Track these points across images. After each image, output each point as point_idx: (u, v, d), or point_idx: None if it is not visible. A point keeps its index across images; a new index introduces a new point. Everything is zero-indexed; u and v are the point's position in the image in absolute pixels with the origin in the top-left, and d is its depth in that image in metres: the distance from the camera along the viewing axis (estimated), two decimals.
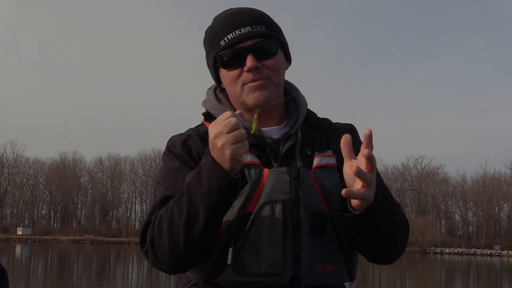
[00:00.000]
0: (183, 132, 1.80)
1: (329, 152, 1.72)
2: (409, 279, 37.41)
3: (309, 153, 1.71)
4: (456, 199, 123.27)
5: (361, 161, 1.47)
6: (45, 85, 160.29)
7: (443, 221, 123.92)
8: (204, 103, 1.84)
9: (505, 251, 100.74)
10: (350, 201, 1.52)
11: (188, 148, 1.72)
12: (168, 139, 1.79)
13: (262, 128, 1.74)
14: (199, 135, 1.75)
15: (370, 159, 1.44)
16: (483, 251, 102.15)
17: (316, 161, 1.69)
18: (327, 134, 1.79)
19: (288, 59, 1.80)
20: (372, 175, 1.46)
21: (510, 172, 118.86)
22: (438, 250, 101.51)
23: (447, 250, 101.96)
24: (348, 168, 1.49)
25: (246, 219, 1.58)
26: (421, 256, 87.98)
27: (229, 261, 1.56)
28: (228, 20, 1.72)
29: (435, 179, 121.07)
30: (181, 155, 1.71)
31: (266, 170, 1.63)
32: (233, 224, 1.58)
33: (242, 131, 1.42)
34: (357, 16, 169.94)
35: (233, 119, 1.42)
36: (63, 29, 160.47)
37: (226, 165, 1.43)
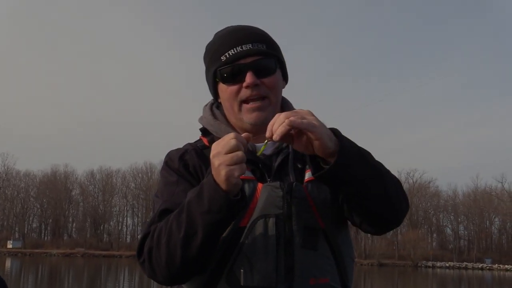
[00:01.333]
0: (180, 147, 1.85)
1: None
2: None
3: (300, 166, 1.74)
4: (448, 212, 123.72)
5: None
6: (36, 99, 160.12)
7: (434, 235, 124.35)
8: (201, 119, 1.89)
9: (496, 264, 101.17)
10: (321, 164, 1.57)
11: (185, 162, 1.76)
12: (166, 153, 1.84)
13: (256, 144, 1.76)
14: (196, 150, 1.80)
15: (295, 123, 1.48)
16: (474, 264, 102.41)
17: (307, 175, 1.72)
18: None
19: (285, 78, 1.85)
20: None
21: (501, 186, 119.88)
22: (430, 263, 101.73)
23: (438, 263, 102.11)
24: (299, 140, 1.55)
25: (240, 233, 1.61)
26: (412, 269, 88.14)
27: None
28: (230, 37, 1.76)
29: (426, 193, 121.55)
30: (178, 170, 1.75)
31: (259, 185, 1.66)
32: (227, 238, 1.61)
33: (240, 153, 1.45)
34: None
35: (233, 141, 1.45)
36: (55, 41, 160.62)
37: (222, 185, 1.47)
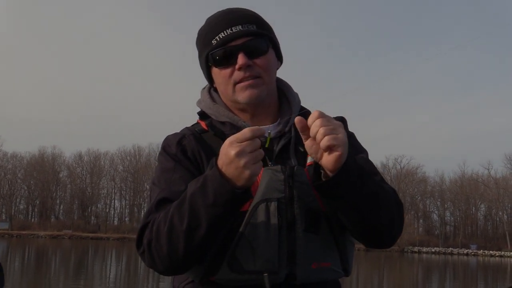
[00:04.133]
0: (178, 131, 1.82)
1: None
2: (387, 277, 37.73)
3: (302, 150, 1.69)
4: (434, 198, 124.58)
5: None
6: (23, 79, 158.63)
7: (421, 221, 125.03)
8: (199, 102, 1.87)
9: (481, 250, 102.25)
10: (323, 174, 1.54)
11: (183, 148, 1.73)
12: (164, 138, 1.81)
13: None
14: (194, 134, 1.77)
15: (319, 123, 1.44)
16: (459, 250, 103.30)
17: (309, 159, 1.67)
18: None
19: (279, 58, 1.82)
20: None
21: (487, 172, 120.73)
22: (416, 249, 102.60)
23: (424, 249, 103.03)
24: (309, 142, 1.50)
25: (241, 217, 1.59)
26: (399, 255, 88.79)
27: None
28: (220, 20, 1.74)
29: (413, 179, 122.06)
30: (175, 155, 1.72)
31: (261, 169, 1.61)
32: None
33: (262, 151, 1.46)
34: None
35: (257, 140, 1.44)
36: (41, 21, 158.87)
37: (241, 182, 1.45)
